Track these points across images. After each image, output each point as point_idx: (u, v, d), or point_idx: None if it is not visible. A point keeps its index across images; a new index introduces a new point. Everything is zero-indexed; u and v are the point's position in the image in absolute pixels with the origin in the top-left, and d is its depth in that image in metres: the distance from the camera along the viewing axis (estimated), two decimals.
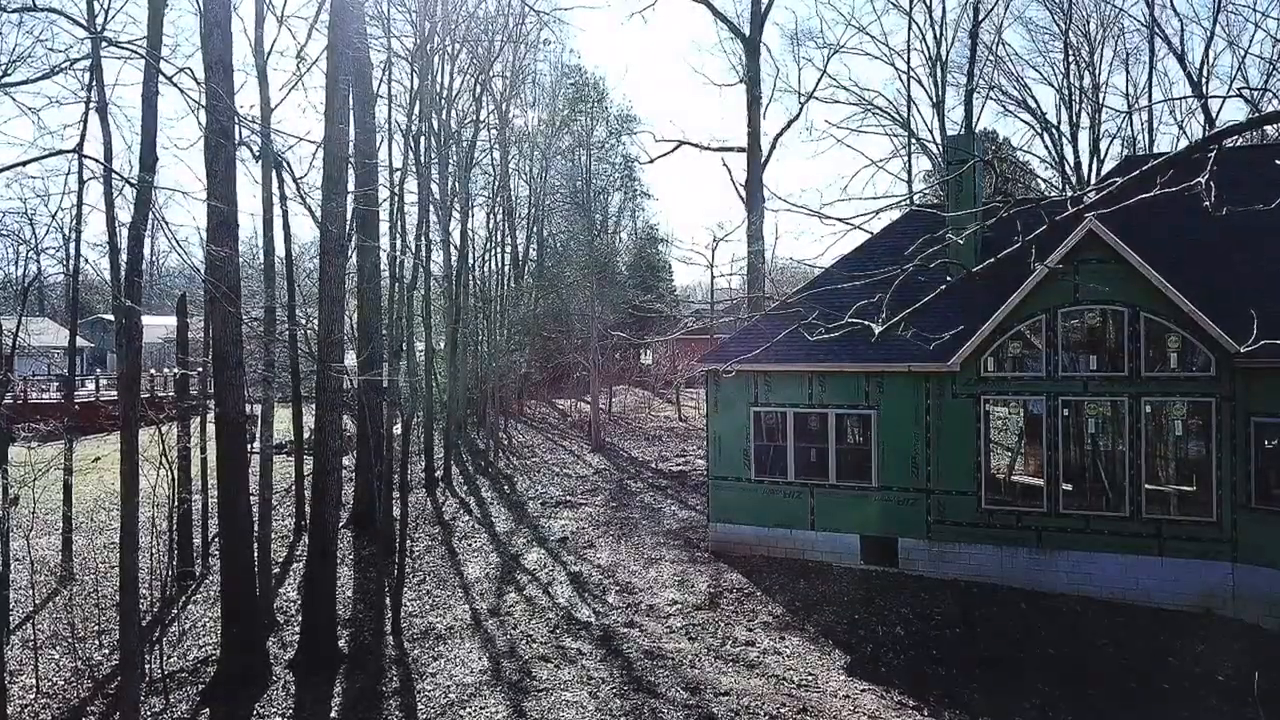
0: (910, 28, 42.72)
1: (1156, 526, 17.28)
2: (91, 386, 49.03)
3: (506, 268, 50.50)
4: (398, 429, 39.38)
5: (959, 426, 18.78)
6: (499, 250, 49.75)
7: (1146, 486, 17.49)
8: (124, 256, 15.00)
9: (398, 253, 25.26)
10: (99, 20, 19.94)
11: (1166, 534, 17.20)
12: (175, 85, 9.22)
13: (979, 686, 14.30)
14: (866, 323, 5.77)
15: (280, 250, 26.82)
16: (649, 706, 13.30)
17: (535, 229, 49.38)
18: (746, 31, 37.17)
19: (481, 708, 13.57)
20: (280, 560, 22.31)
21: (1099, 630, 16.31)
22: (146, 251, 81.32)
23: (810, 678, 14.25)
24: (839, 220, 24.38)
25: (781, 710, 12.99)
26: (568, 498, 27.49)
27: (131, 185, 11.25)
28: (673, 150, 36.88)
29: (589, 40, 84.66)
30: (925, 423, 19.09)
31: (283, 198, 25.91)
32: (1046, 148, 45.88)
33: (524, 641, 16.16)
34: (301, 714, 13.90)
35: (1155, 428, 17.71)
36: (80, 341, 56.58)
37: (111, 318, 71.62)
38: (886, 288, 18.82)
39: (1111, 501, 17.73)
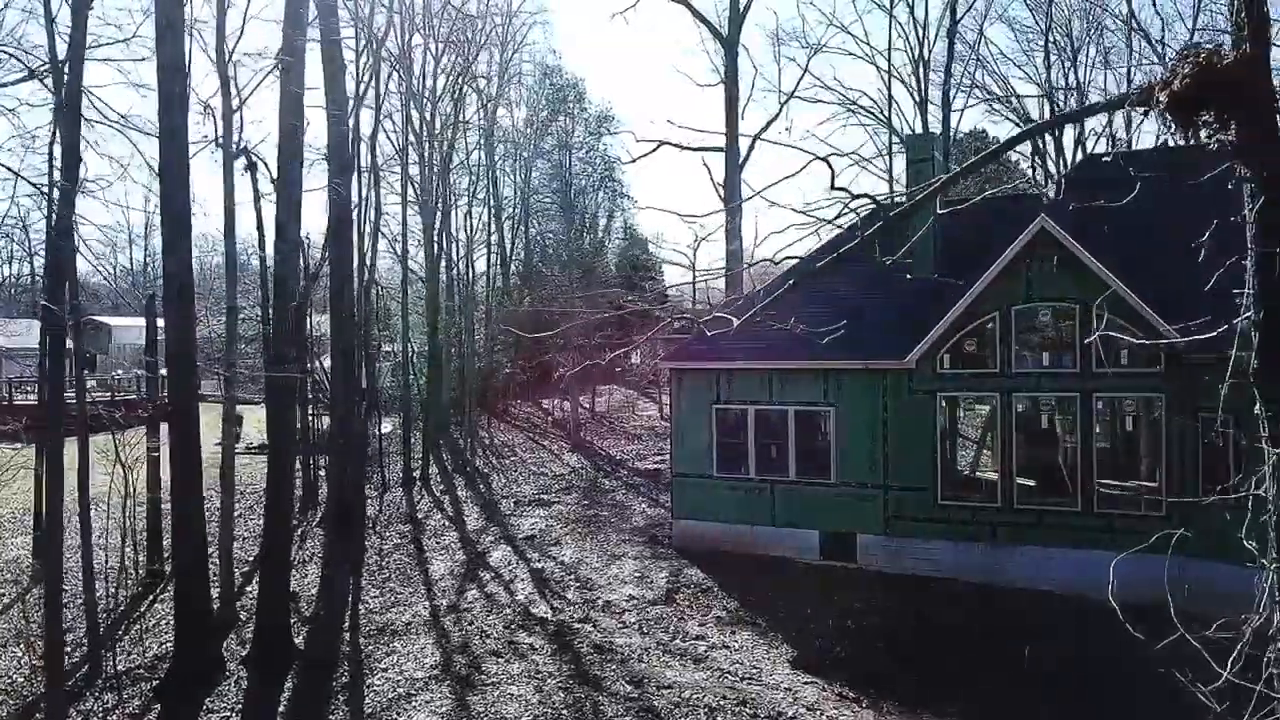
0: (891, 27, 43.00)
1: (1108, 520, 17.42)
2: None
3: (494, 268, 50.69)
4: (385, 428, 39.63)
5: (916, 423, 18.92)
6: (486, 250, 49.99)
7: (1099, 481, 17.65)
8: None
9: (367, 253, 25.35)
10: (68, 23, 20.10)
11: (1118, 528, 17.32)
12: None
13: (922, 679, 14.44)
14: (727, 315, 5.90)
15: (256, 250, 27.09)
16: (591, 700, 13.46)
17: (521, 229, 49.56)
18: (725, 32, 37.35)
19: (426, 701, 13.73)
20: (251, 559, 22.46)
21: (1050, 624, 16.43)
22: (141, 254, 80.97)
23: (755, 671, 14.40)
24: (807, 214, 24.39)
25: (721, 703, 13.14)
26: (541, 496, 27.65)
27: (41, 192, 11.39)
28: (654, 150, 37.03)
29: (574, 42, 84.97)
30: (883, 419, 19.24)
31: (256, 196, 26.14)
32: (1033, 146, 46.09)
33: (478, 637, 16.31)
34: (250, 710, 14.06)
35: (1107, 423, 17.87)
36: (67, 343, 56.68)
37: (103, 319, 71.99)
38: (838, 283, 18.87)
39: (1065, 496, 17.87)
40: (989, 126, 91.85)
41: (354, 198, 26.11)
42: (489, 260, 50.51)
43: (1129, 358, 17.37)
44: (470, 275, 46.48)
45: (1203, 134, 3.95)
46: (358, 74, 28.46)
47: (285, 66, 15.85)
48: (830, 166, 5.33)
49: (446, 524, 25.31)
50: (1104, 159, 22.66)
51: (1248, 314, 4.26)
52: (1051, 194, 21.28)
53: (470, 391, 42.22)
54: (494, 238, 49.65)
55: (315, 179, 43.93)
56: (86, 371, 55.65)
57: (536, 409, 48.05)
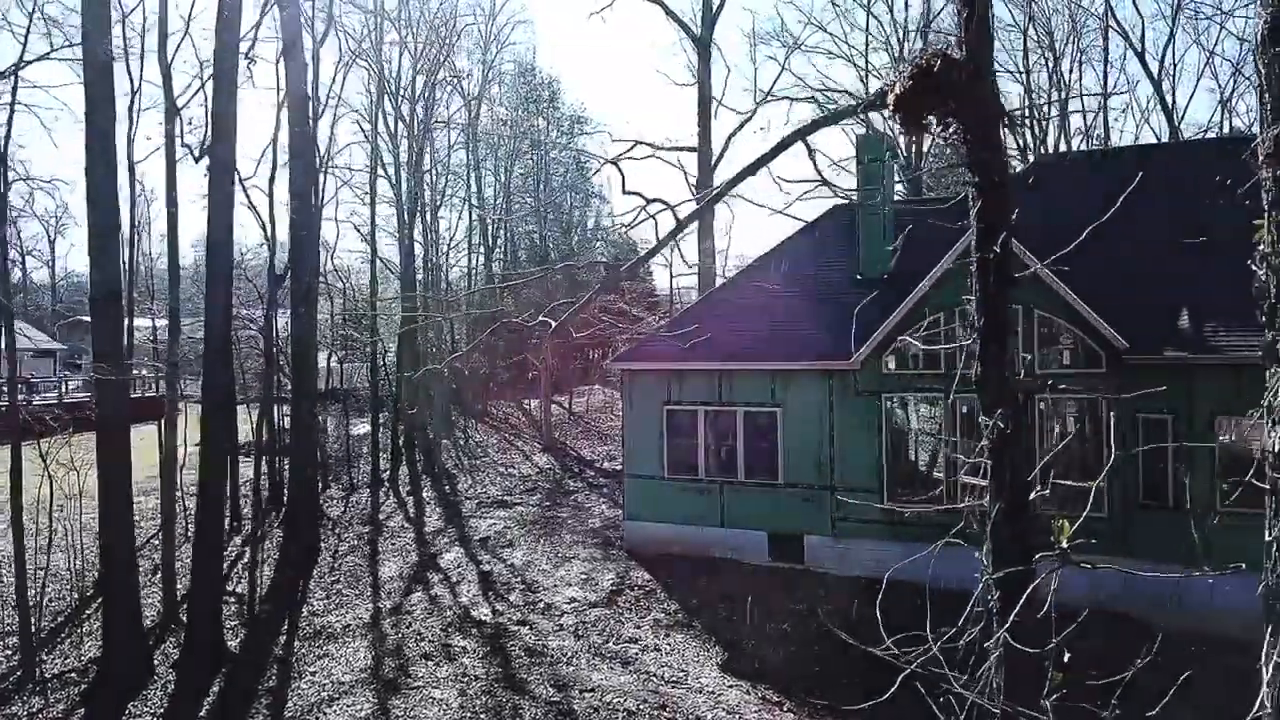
0: (868, 25, 42.82)
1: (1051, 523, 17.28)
2: (63, 389, 48.98)
3: (476, 268, 50.53)
4: (357, 430, 39.54)
5: (862, 424, 18.81)
6: (468, 250, 49.85)
7: (1041, 482, 17.52)
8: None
9: (328, 261, 25.26)
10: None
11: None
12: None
13: (849, 683, 14.32)
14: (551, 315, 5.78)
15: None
16: (512, 704, 13.39)
17: (502, 229, 49.52)
18: (698, 32, 37.23)
19: (348, 706, 13.66)
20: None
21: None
22: (127, 256, 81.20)
23: (681, 674, 14.32)
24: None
25: (640, 707, 13.07)
26: (504, 497, 27.58)
27: None
28: (628, 151, 36.64)
29: (553, 42, 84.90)
30: (830, 420, 19.14)
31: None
32: (1017, 144, 45.94)
33: (413, 640, 16.24)
34: (171, 713, 14.00)
35: (1050, 425, 17.75)
36: (52, 344, 56.96)
37: (89, 319, 72.01)
38: (789, 283, 18.79)
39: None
40: None
41: (314, 198, 26.04)
42: (470, 260, 50.43)
43: (1072, 358, 17.29)
44: (447, 275, 46.41)
45: (937, 137, 3.86)
46: (316, 70, 28.37)
47: (217, 72, 15.78)
48: (620, 170, 5.23)
49: (406, 525, 25.24)
50: (1047, 160, 22.54)
51: (975, 323, 4.16)
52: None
53: (446, 392, 42.14)
54: (476, 237, 49.55)
55: (281, 176, 43.88)
56: (68, 372, 55.65)
57: (517, 409, 47.96)
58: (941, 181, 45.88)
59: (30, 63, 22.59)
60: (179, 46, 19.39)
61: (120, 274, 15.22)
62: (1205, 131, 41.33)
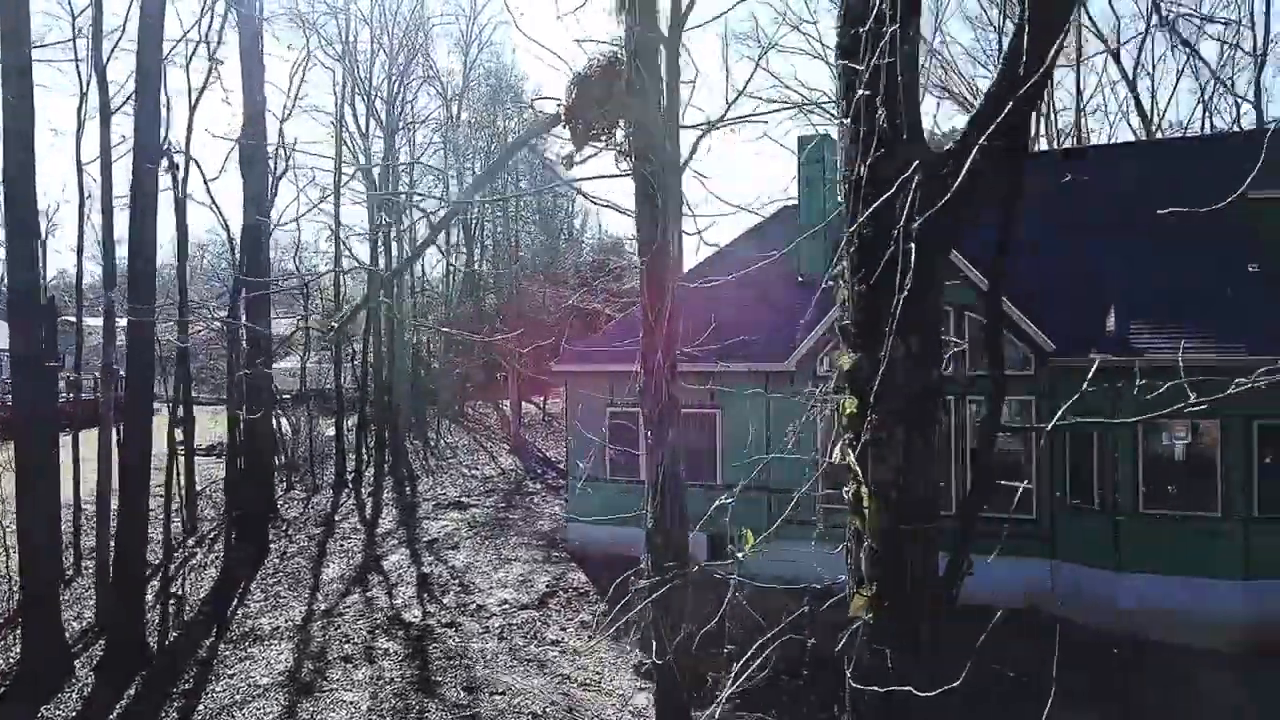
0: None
1: (982, 524, 17.22)
2: None
3: (454, 271, 50.40)
4: (331, 431, 39.45)
5: (798, 426, 18.75)
6: (447, 249, 49.68)
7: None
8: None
9: (293, 263, 25.21)
10: None
11: (990, 532, 17.14)
12: None
13: (770, 687, 14.27)
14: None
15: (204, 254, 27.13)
16: (420, 706, 13.37)
17: (478, 232, 49.50)
18: (666, 33, 37.15)
19: (258, 709, 13.64)
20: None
21: None
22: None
23: (596, 677, 14.29)
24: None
25: (547, 709, 13.05)
26: (462, 499, 27.54)
27: None
28: (598, 153, 36.37)
29: (530, 41, 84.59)
30: (766, 422, 19.09)
31: (178, 201, 26.09)
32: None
33: (339, 642, 16.22)
34: (84, 715, 13.97)
35: (980, 426, 17.70)
36: None
37: (74, 319, 71.98)
38: (732, 285, 18.77)
39: (941, 499, 17.71)
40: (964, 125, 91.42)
41: (267, 199, 26.04)
42: (448, 263, 50.32)
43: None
44: (425, 275, 46.41)
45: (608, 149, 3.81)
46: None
47: (140, 86, 15.76)
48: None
49: (359, 527, 25.20)
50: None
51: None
52: None
53: (421, 393, 42.14)
54: (455, 237, 49.40)
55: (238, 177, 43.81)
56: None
57: (494, 410, 47.90)
58: None
59: None
60: (116, 45, 19.27)
61: (40, 271, 15.18)
62: (1185, 130, 41.45)
